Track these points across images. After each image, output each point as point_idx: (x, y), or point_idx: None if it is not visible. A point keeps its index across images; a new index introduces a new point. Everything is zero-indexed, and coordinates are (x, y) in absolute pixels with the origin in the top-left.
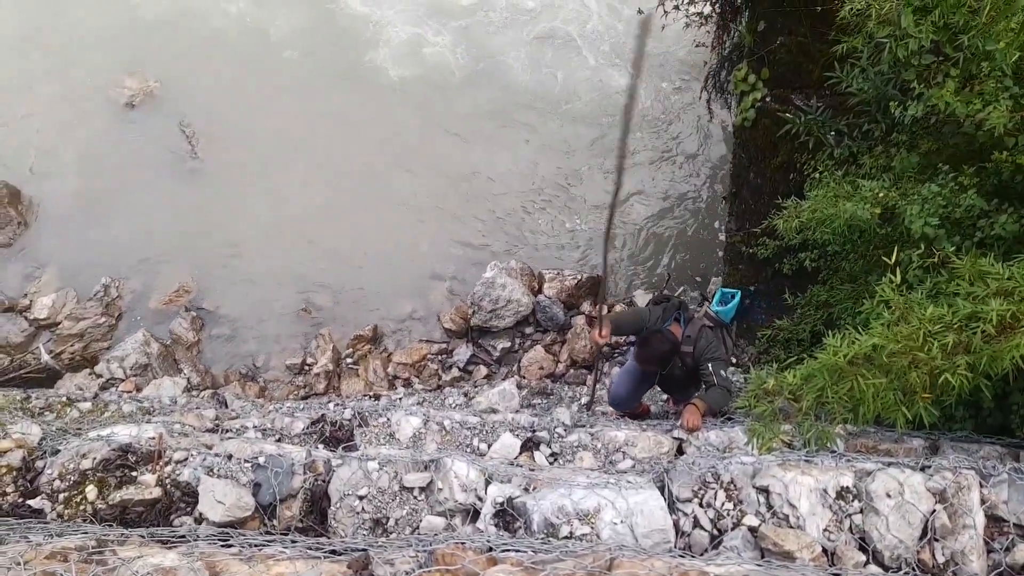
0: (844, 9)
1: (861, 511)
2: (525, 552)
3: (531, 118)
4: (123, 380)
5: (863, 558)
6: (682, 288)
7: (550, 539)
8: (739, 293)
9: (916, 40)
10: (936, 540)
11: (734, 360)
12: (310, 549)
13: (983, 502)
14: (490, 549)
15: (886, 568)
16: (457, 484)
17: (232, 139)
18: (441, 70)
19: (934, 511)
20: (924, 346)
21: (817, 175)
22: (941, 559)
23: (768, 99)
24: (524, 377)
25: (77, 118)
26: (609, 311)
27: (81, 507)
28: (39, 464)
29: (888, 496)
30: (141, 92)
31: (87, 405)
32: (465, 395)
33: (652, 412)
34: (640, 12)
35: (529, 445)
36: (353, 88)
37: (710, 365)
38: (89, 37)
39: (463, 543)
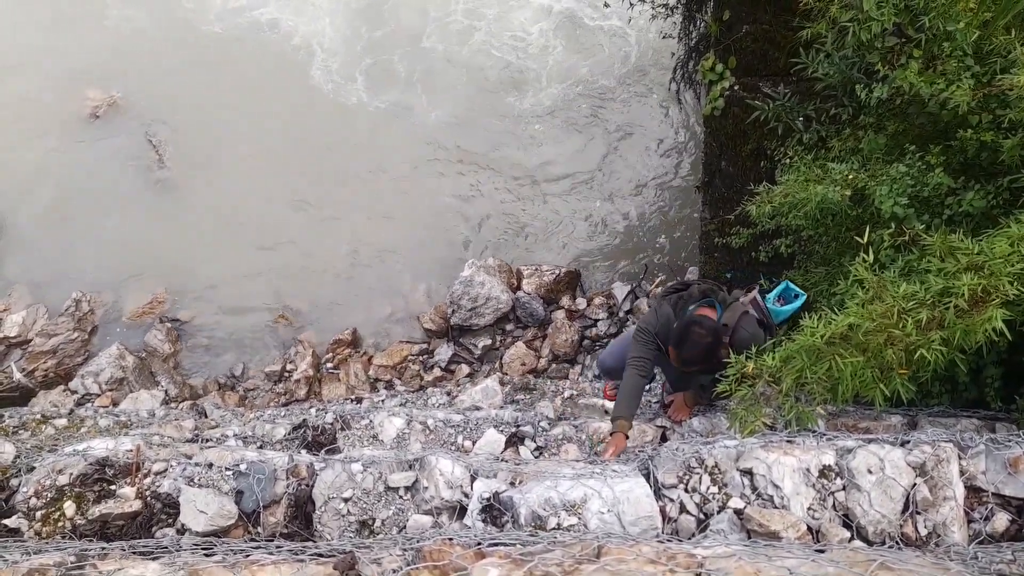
0: None
1: (844, 488)
2: (513, 545)
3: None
4: (99, 395)
5: (848, 534)
6: (660, 278)
7: (538, 531)
8: (804, 296)
9: (878, 23)
10: (918, 513)
11: None
12: (294, 553)
13: (962, 473)
14: (478, 544)
15: (870, 543)
16: (443, 481)
17: (199, 146)
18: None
19: (915, 485)
20: (899, 323)
21: (788, 160)
22: (924, 531)
23: (736, 87)
24: (506, 374)
25: (41, 132)
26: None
27: (60, 523)
28: (14, 483)
29: (869, 472)
30: (105, 103)
31: (62, 421)
32: (448, 394)
33: None
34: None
35: (514, 440)
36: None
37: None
38: (47, 52)
39: (451, 539)
